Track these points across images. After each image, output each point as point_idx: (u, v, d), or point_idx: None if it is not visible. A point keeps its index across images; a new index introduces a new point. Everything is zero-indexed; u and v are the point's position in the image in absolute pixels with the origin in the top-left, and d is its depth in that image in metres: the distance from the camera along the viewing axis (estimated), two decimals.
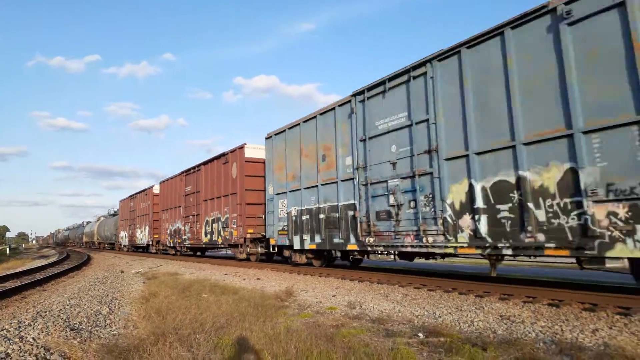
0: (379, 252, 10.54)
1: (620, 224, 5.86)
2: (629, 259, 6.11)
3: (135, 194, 33.38)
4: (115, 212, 46.29)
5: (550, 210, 6.70)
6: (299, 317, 6.53)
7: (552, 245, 6.64)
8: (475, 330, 5.53)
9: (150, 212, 28.75)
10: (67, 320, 6.59)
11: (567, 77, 6.57)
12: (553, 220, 6.66)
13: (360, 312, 6.94)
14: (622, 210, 5.86)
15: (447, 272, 13.05)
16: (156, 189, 28.40)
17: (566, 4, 6.65)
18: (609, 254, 5.97)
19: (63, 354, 4.63)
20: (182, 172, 23.22)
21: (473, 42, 8.06)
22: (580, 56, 6.49)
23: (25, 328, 5.92)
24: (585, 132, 6.30)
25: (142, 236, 30.61)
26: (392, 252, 10.17)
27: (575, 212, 6.38)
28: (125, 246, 36.09)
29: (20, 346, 4.92)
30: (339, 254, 13.21)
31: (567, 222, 6.48)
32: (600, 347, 4.44)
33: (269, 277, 12.52)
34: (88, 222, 61.88)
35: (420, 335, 5.26)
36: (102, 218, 53.48)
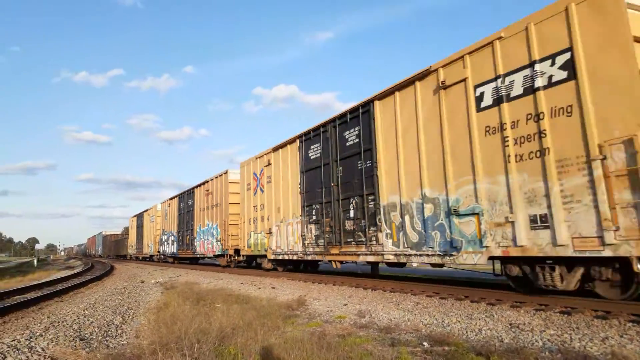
0: None
1: None
2: None
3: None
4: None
5: None
6: (307, 326, 6.51)
7: None
8: (482, 338, 5.43)
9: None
10: (78, 330, 6.71)
11: None
12: None
13: (369, 320, 6.88)
14: None
15: (461, 279, 12.86)
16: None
17: None
18: None
19: None
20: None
21: None
22: None
23: (36, 339, 6.06)
24: None
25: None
26: None
27: None
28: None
29: (27, 356, 5.05)
30: None
31: None
32: (608, 355, 4.31)
33: (284, 286, 12.53)
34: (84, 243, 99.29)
35: (425, 344, 5.20)
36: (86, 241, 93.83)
